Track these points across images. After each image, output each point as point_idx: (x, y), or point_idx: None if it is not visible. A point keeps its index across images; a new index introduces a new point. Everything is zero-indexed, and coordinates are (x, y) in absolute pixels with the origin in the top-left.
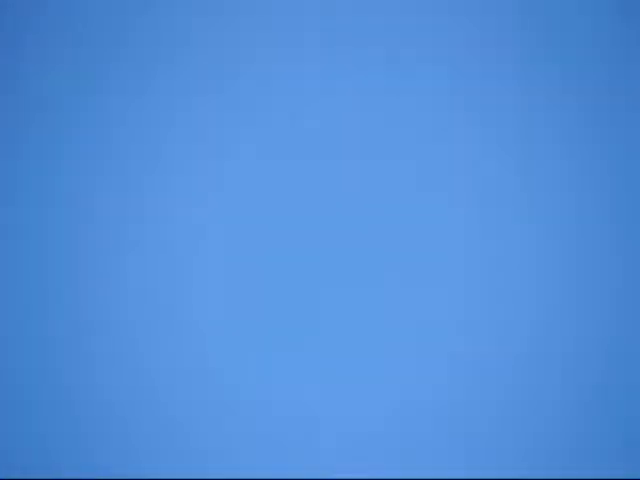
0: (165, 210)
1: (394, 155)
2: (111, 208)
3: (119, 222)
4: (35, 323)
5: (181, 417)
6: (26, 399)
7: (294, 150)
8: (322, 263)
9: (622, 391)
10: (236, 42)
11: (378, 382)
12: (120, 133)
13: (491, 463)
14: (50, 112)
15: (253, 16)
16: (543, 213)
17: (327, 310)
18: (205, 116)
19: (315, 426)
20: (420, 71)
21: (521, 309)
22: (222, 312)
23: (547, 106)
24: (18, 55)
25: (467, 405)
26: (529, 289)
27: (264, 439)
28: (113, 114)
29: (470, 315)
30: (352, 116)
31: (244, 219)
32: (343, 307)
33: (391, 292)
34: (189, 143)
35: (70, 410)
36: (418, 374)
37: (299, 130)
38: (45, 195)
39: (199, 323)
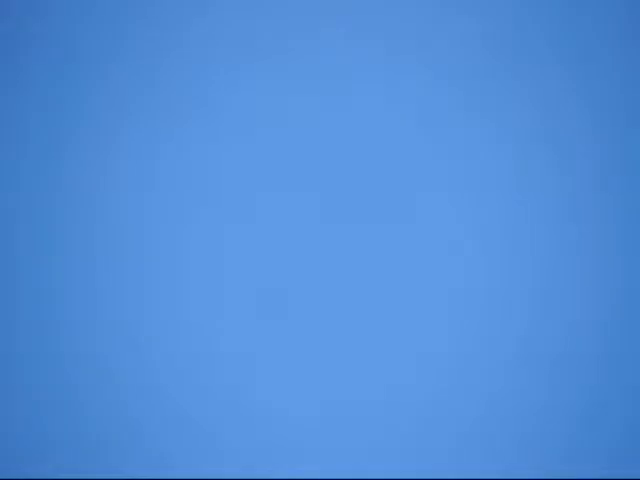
0: (165, 208)
1: (392, 151)
2: (112, 207)
3: (120, 221)
4: (40, 321)
5: (188, 416)
6: (31, 399)
7: (293, 151)
8: (319, 260)
9: (615, 393)
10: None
11: (376, 383)
12: (119, 134)
13: (483, 463)
14: (50, 112)
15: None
16: (537, 213)
17: (327, 310)
18: (203, 122)
19: (312, 425)
20: (419, 77)
21: (513, 307)
22: (225, 311)
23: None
24: (18, 55)
25: (460, 404)
26: (521, 287)
27: (266, 438)
28: (111, 116)
29: (461, 313)
30: (350, 116)
31: (243, 216)
32: (342, 306)
33: (385, 290)
34: (187, 147)
35: (75, 409)
36: (418, 373)
37: (298, 132)
38: (46, 195)
39: (206, 322)
